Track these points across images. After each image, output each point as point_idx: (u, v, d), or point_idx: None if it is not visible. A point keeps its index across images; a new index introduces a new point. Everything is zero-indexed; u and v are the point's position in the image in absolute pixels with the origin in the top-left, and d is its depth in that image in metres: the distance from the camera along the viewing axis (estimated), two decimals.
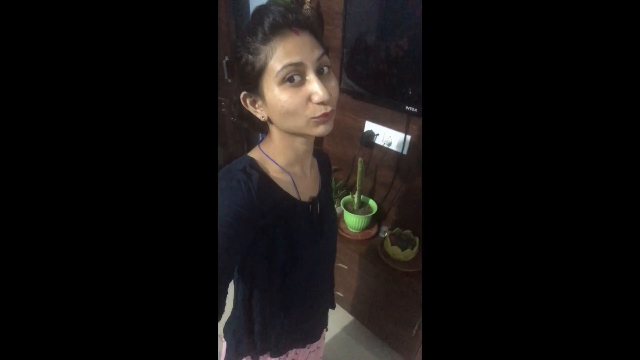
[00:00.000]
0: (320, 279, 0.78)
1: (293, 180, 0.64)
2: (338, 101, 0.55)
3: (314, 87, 0.48)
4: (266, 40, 0.48)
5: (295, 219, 0.63)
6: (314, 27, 0.52)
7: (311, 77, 0.49)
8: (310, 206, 0.67)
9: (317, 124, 0.52)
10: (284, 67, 0.48)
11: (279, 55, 0.48)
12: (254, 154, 0.63)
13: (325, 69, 0.52)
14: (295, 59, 0.47)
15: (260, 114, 0.57)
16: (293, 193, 0.63)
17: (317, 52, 0.49)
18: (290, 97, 0.49)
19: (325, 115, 0.51)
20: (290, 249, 0.64)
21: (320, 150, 0.78)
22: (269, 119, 0.57)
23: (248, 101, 0.56)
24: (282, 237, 0.62)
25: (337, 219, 0.98)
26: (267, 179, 0.59)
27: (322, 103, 0.49)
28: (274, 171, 0.62)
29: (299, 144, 0.60)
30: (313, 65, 0.49)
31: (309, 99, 0.49)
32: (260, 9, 0.49)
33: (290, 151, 0.61)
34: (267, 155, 0.62)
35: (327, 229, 0.72)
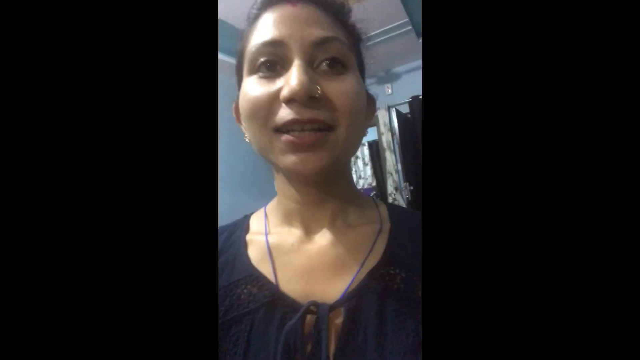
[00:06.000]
0: None
1: (268, 246, 0.36)
2: None
3: (289, 74, 0.29)
4: (254, 18, 0.33)
5: (266, 330, 0.31)
6: (335, 6, 0.33)
7: (295, 62, 0.30)
8: (311, 320, 0.30)
9: (286, 148, 0.30)
10: (255, 46, 0.31)
11: (257, 32, 0.32)
12: (259, 211, 0.42)
13: (337, 63, 0.31)
14: (273, 35, 0.30)
15: (242, 126, 0.36)
16: (268, 274, 0.34)
17: (317, 31, 0.30)
18: (254, 91, 0.31)
19: (297, 130, 0.29)
20: None
21: (412, 215, 0.40)
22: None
23: (234, 110, 0.38)
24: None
25: None
26: (237, 247, 0.37)
27: (291, 101, 0.29)
28: (255, 232, 0.38)
29: (297, 188, 0.35)
30: (302, 48, 0.30)
31: (278, 94, 0.30)
32: None
33: (287, 200, 0.37)
34: (265, 210, 0.41)
35: None
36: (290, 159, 0.30)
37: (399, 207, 0.42)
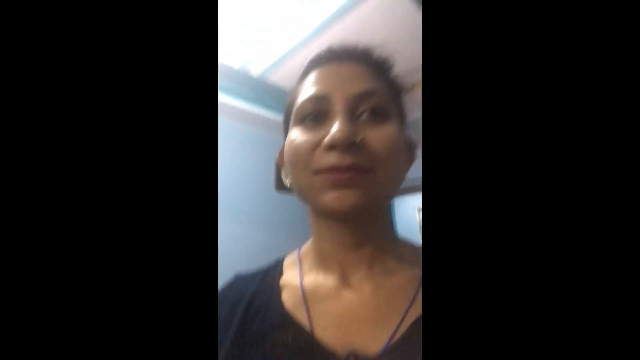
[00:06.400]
0: None
1: (302, 291, 0.35)
2: None
3: (332, 124, 0.31)
4: (303, 75, 0.37)
5: None
6: (376, 61, 0.37)
7: (337, 113, 0.32)
8: None
9: (325, 186, 0.31)
10: (303, 101, 0.34)
11: (304, 89, 0.35)
12: (292, 253, 0.42)
13: (378, 114, 0.33)
14: (318, 91, 0.33)
15: (285, 170, 0.38)
16: (303, 321, 0.33)
17: (360, 85, 0.33)
18: (299, 139, 0.33)
19: (336, 171, 0.30)
20: None
21: None
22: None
23: (280, 155, 0.40)
24: None
25: None
26: (270, 292, 0.36)
27: (332, 148, 0.31)
28: (289, 276, 0.38)
29: (335, 230, 0.35)
30: (345, 101, 0.32)
31: (320, 142, 0.32)
32: None
33: (323, 242, 0.37)
34: (299, 253, 0.41)
35: None
36: (328, 196, 0.31)
37: None
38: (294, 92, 0.37)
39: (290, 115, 0.37)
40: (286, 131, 0.38)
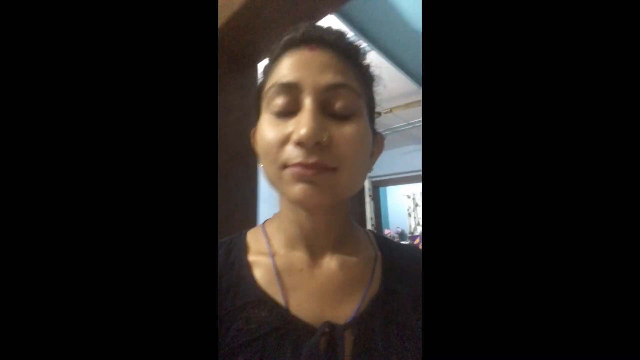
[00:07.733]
0: None
1: (275, 269, 0.37)
2: None
3: (300, 119, 0.32)
4: (276, 57, 0.37)
5: (280, 355, 0.32)
6: (349, 48, 0.36)
7: (306, 106, 0.33)
8: (325, 340, 0.33)
9: (292, 179, 0.33)
10: (271, 87, 0.35)
11: (275, 74, 0.36)
12: (254, 229, 0.44)
13: (346, 109, 0.34)
14: (288, 78, 0.34)
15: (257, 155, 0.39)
16: (277, 297, 0.35)
17: (331, 77, 0.33)
18: (269, 130, 0.34)
19: (303, 166, 0.32)
20: None
21: (395, 244, 0.45)
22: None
23: (253, 136, 0.42)
24: None
25: None
26: (240, 268, 0.38)
27: (299, 145, 0.32)
28: (257, 253, 0.39)
29: (303, 216, 0.38)
30: (315, 92, 0.33)
31: (289, 137, 0.33)
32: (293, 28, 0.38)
33: (292, 226, 0.39)
34: (263, 230, 0.42)
35: None
36: (295, 189, 0.32)
37: (380, 235, 0.46)
38: (266, 73, 0.38)
39: (262, 96, 0.38)
40: (258, 110, 0.39)
